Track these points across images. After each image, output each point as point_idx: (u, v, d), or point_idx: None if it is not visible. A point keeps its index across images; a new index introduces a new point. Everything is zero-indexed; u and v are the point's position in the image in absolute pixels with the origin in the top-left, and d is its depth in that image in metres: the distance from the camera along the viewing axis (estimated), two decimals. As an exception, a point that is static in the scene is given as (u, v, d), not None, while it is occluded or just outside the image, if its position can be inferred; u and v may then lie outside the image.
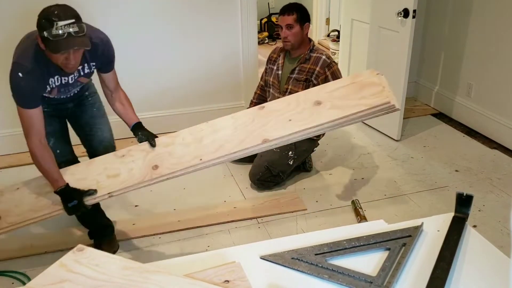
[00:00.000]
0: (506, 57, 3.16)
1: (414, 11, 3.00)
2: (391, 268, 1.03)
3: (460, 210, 1.19)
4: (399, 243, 1.11)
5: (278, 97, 2.86)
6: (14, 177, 3.02)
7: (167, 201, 2.72)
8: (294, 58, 2.82)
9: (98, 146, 2.17)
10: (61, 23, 1.67)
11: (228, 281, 0.95)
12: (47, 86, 1.89)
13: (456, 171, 2.98)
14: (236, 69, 3.57)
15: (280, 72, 2.87)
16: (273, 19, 6.20)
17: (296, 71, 2.78)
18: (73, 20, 1.70)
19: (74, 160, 2.14)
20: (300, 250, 1.10)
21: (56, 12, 1.68)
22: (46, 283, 0.89)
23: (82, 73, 1.97)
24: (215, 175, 2.99)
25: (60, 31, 1.67)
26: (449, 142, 3.39)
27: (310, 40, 2.82)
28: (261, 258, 1.09)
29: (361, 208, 2.56)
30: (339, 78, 2.70)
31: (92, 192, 1.89)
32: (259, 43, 4.39)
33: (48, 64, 1.82)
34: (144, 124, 2.25)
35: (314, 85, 2.75)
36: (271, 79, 2.94)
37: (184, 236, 2.41)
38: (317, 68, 2.72)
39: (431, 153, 3.22)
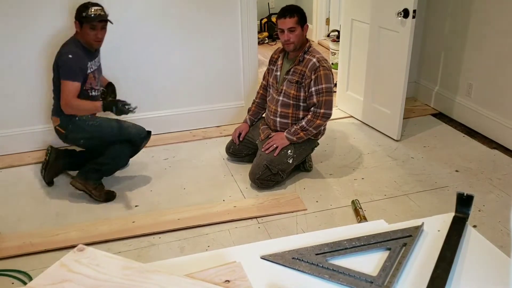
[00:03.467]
0: (506, 57, 3.16)
1: (414, 11, 3.00)
2: (392, 268, 1.03)
3: (460, 210, 1.19)
4: (399, 243, 1.11)
5: (276, 98, 2.87)
6: (14, 177, 3.02)
7: (167, 201, 2.72)
8: (291, 59, 2.82)
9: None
10: (93, 7, 2.61)
11: (228, 281, 0.95)
12: (88, 68, 2.68)
13: (456, 171, 2.98)
14: (236, 69, 3.57)
15: (278, 73, 2.88)
16: (273, 19, 6.19)
17: (290, 73, 2.79)
18: (101, 7, 2.66)
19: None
20: (300, 250, 1.10)
21: (89, 2, 2.66)
22: (46, 283, 0.89)
23: (100, 59, 2.87)
24: (215, 175, 2.99)
25: (94, 12, 2.60)
26: (449, 142, 3.39)
27: (307, 40, 2.82)
28: (261, 258, 1.09)
29: (361, 208, 2.55)
30: (321, 83, 2.70)
31: (125, 103, 2.59)
32: (259, 43, 4.39)
33: (84, 50, 2.68)
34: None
35: (304, 87, 2.75)
36: (271, 80, 2.95)
37: (184, 235, 2.42)
38: (306, 71, 2.72)
39: (431, 153, 3.22)
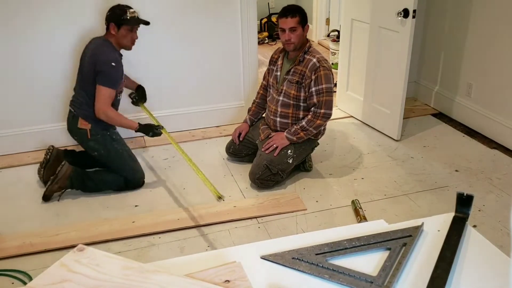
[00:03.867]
0: (506, 57, 3.16)
1: (414, 11, 3.00)
2: (392, 268, 1.03)
3: (460, 210, 1.19)
4: (399, 243, 1.11)
5: (277, 98, 2.87)
6: (14, 177, 3.02)
7: (167, 201, 2.72)
8: (291, 59, 2.82)
9: None
10: (130, 10, 2.66)
11: (228, 281, 0.95)
12: (123, 72, 2.74)
13: (456, 171, 2.98)
14: (236, 69, 3.57)
15: (278, 73, 2.88)
16: (273, 19, 6.20)
17: (290, 73, 2.79)
18: (134, 10, 2.70)
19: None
20: (300, 250, 1.10)
21: (125, 5, 2.70)
22: (46, 283, 0.89)
23: None
24: (215, 175, 2.99)
25: (132, 15, 2.66)
26: (449, 142, 3.39)
27: (307, 41, 2.82)
28: (261, 258, 1.09)
29: (361, 208, 2.55)
30: (322, 84, 2.70)
31: (158, 127, 2.78)
32: (259, 43, 4.39)
33: (119, 54, 2.71)
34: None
35: (304, 87, 2.75)
36: (271, 80, 2.95)
37: (184, 235, 2.41)
38: (306, 71, 2.72)
39: (431, 153, 3.22)
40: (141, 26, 2.75)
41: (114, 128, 2.81)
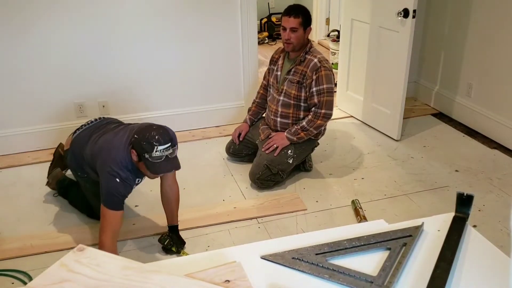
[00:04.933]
0: (506, 57, 3.16)
1: (414, 11, 3.00)
2: (392, 268, 1.03)
3: (460, 210, 1.19)
4: (399, 243, 1.11)
5: (277, 98, 2.87)
6: (14, 177, 3.02)
7: (167, 201, 2.72)
8: (292, 59, 2.82)
9: None
10: (161, 147, 1.94)
11: (228, 280, 0.95)
12: (133, 187, 2.16)
13: (456, 171, 2.98)
14: (236, 69, 3.57)
15: (279, 73, 2.88)
16: (273, 19, 6.20)
17: (291, 73, 2.78)
18: (169, 144, 1.98)
19: None
20: (300, 250, 1.10)
21: (157, 137, 1.95)
22: (46, 283, 0.89)
23: None
24: (215, 175, 2.99)
25: (159, 154, 1.94)
26: (449, 142, 3.39)
27: (308, 41, 2.82)
28: (261, 258, 1.09)
29: (361, 208, 2.55)
30: (323, 84, 2.70)
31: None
32: (259, 43, 4.38)
33: (136, 172, 2.11)
34: None
35: (305, 87, 2.75)
36: (271, 80, 2.94)
37: (184, 236, 2.41)
38: (307, 71, 2.71)
39: (431, 153, 3.22)
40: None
41: (84, 173, 2.36)
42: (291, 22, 2.68)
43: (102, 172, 2.07)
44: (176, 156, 2.05)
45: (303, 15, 2.69)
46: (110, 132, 2.24)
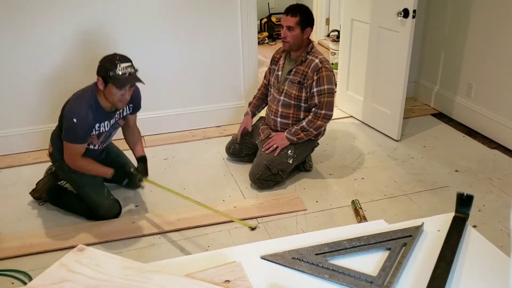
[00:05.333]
0: (506, 57, 3.16)
1: (414, 11, 3.00)
2: (392, 268, 1.03)
3: (460, 210, 1.19)
4: (399, 243, 1.11)
5: (277, 98, 2.87)
6: (14, 177, 3.02)
7: (167, 201, 2.72)
8: (293, 60, 2.82)
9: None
10: (123, 64, 2.21)
11: (228, 281, 0.95)
12: (94, 130, 2.35)
13: (456, 171, 2.98)
14: (236, 69, 3.57)
15: (280, 73, 2.88)
16: (273, 19, 6.20)
17: (292, 73, 2.78)
18: (130, 63, 2.26)
19: (115, 201, 2.61)
20: (300, 250, 1.10)
21: (118, 57, 2.24)
22: (46, 283, 0.89)
23: (122, 115, 2.50)
24: (215, 175, 2.99)
25: (123, 71, 2.21)
26: (449, 142, 3.39)
27: (309, 41, 2.81)
28: (261, 258, 1.09)
29: (361, 208, 2.55)
30: (323, 84, 2.69)
31: (134, 173, 2.47)
32: (259, 43, 4.39)
33: (97, 111, 2.31)
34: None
35: (305, 88, 2.75)
36: (272, 79, 2.94)
37: (184, 236, 2.41)
38: (309, 71, 2.71)
39: (431, 153, 3.22)
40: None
41: None
42: (288, 20, 2.68)
43: (63, 115, 2.33)
44: (137, 75, 2.29)
45: (301, 15, 2.68)
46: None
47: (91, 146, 2.44)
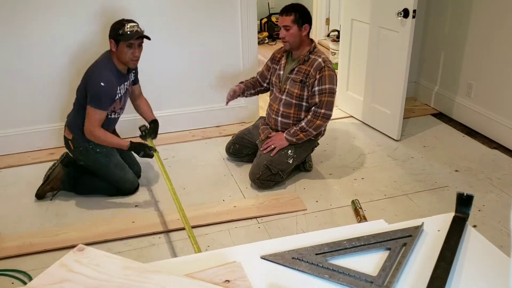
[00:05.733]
0: (506, 57, 3.16)
1: (414, 11, 3.00)
2: (392, 268, 1.03)
3: (460, 210, 1.19)
4: (399, 243, 1.11)
5: (279, 97, 2.87)
6: (14, 177, 3.02)
7: (167, 201, 2.72)
8: (294, 59, 2.81)
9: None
10: (129, 24, 2.51)
11: (228, 281, 0.95)
12: (117, 94, 2.59)
13: (456, 171, 2.98)
14: (236, 69, 3.57)
15: (281, 72, 2.88)
16: (273, 19, 6.20)
17: (294, 72, 2.78)
18: (136, 24, 2.55)
19: (134, 175, 2.86)
20: (300, 250, 1.10)
21: (125, 19, 2.56)
22: (46, 283, 0.89)
23: (131, 79, 2.77)
24: (215, 175, 2.99)
25: (130, 29, 2.50)
26: (449, 142, 3.39)
27: (312, 41, 2.81)
28: (261, 258, 1.09)
29: (361, 208, 2.55)
30: (325, 84, 2.69)
31: (151, 148, 2.64)
32: (259, 43, 4.39)
33: (117, 73, 2.59)
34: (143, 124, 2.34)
35: (307, 87, 2.75)
36: (273, 79, 2.94)
37: (184, 235, 2.41)
38: (311, 70, 2.71)
39: (431, 153, 3.22)
40: (143, 28, 2.69)
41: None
42: (283, 20, 2.70)
43: (89, 83, 2.52)
44: (145, 35, 2.58)
45: (296, 12, 2.69)
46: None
47: (112, 115, 2.68)
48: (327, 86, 2.69)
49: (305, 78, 2.73)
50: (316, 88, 2.71)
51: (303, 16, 2.71)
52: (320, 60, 2.70)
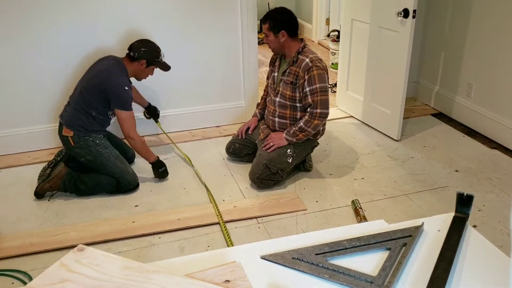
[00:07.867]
0: (506, 57, 3.16)
1: (414, 11, 3.00)
2: (392, 268, 1.03)
3: (460, 210, 1.19)
4: (399, 243, 1.11)
5: (273, 99, 2.87)
6: (14, 177, 3.02)
7: (167, 201, 2.72)
8: (287, 60, 2.82)
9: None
10: (162, 52, 2.88)
11: (228, 281, 0.95)
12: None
13: (456, 171, 2.98)
14: (236, 69, 3.57)
15: (276, 74, 2.89)
16: (273, 19, 6.19)
17: (286, 73, 2.78)
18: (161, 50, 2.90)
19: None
20: (300, 250, 1.10)
21: (158, 47, 2.87)
22: (46, 283, 0.89)
23: None
24: (215, 175, 2.99)
25: (164, 58, 2.90)
26: (449, 142, 3.39)
27: (301, 41, 2.80)
28: (261, 258, 1.09)
29: (361, 208, 2.55)
30: (315, 83, 2.68)
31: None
32: (259, 43, 4.38)
33: (128, 79, 2.83)
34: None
35: (298, 88, 2.75)
36: (269, 81, 2.96)
37: (184, 235, 2.41)
38: (300, 71, 2.71)
39: (431, 153, 3.22)
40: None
41: (98, 132, 2.80)
42: (263, 27, 2.76)
43: (112, 89, 2.69)
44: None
45: (271, 20, 2.71)
46: (88, 74, 2.81)
47: (112, 116, 2.85)
48: (317, 85, 2.68)
49: (295, 80, 2.73)
50: (307, 89, 2.70)
51: (278, 24, 2.70)
52: (307, 60, 2.69)
